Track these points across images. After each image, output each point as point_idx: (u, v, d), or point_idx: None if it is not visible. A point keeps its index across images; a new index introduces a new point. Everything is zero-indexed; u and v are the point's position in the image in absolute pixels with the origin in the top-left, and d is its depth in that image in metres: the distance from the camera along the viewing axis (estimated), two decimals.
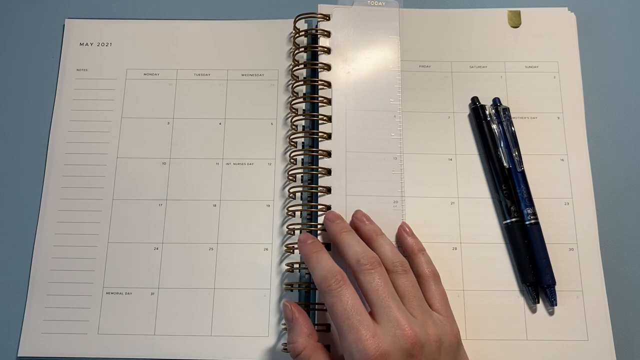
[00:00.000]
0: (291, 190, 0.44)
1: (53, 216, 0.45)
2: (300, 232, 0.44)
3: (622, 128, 0.47)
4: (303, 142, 0.46)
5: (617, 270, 0.43)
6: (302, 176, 0.45)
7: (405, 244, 0.41)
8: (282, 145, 0.46)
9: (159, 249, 0.44)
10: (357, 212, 0.42)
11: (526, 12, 0.49)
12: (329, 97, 0.46)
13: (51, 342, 0.42)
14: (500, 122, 0.45)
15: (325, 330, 0.41)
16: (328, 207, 0.43)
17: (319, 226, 0.43)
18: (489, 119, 0.45)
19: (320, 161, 0.44)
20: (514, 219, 0.43)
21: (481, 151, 0.45)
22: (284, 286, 0.42)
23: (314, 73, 0.47)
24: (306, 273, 0.43)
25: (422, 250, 0.41)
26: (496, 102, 0.45)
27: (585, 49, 0.48)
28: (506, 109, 0.45)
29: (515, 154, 0.44)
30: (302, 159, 0.46)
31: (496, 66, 0.47)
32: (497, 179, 0.44)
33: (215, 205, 0.45)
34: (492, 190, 0.45)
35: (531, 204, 0.43)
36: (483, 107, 0.45)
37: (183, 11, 0.51)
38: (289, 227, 0.43)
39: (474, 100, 0.46)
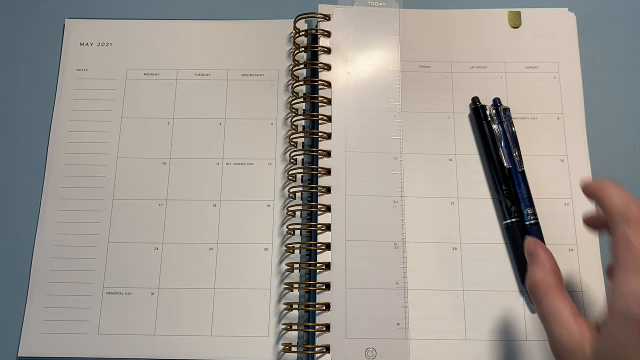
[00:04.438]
0: (291, 190, 0.44)
1: (53, 216, 0.45)
2: (301, 233, 0.44)
3: (622, 128, 0.47)
4: (303, 142, 0.46)
5: None
6: (302, 176, 0.45)
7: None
8: (282, 145, 0.46)
9: (159, 249, 0.44)
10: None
11: (526, 13, 0.49)
12: (329, 97, 0.46)
13: (51, 342, 0.42)
14: (500, 123, 0.45)
15: (325, 331, 0.41)
16: (328, 207, 0.43)
17: (318, 226, 0.43)
18: (489, 119, 0.45)
19: (320, 161, 0.44)
20: (514, 219, 0.43)
21: (481, 151, 0.45)
22: (284, 286, 0.42)
23: (314, 73, 0.47)
24: (306, 273, 0.43)
25: None
26: (496, 103, 0.45)
27: (585, 49, 0.48)
28: (506, 109, 0.45)
29: (515, 154, 0.44)
30: (302, 159, 0.46)
31: (496, 66, 0.47)
32: (497, 179, 0.44)
33: (215, 205, 0.45)
34: (492, 191, 0.45)
35: (531, 204, 0.43)
36: (483, 107, 0.45)
37: (183, 11, 0.51)
38: (289, 227, 0.43)
39: (475, 100, 0.46)
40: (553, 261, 0.35)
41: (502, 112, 0.45)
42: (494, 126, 0.45)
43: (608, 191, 0.33)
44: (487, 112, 0.45)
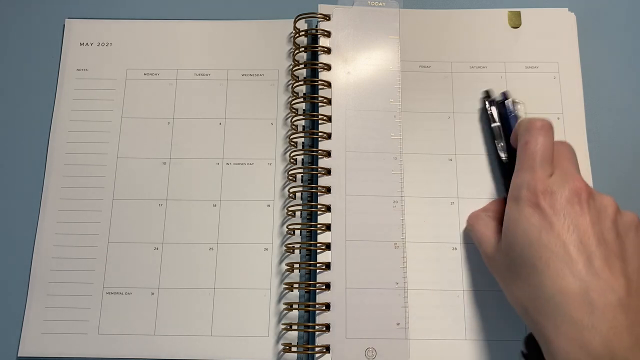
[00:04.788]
0: (291, 190, 0.44)
1: (53, 216, 0.45)
2: (301, 233, 0.44)
3: (622, 128, 0.47)
4: (303, 142, 0.46)
5: None
6: (302, 176, 0.45)
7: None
8: (282, 145, 0.46)
9: (159, 249, 0.44)
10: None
11: (526, 13, 0.49)
12: (328, 97, 0.46)
13: (51, 342, 0.42)
14: (508, 116, 0.44)
15: (325, 331, 0.41)
16: (328, 207, 0.43)
17: (318, 226, 0.43)
18: (498, 112, 0.44)
19: (320, 161, 0.44)
20: None
21: (489, 145, 0.45)
22: (284, 286, 0.42)
23: (314, 73, 0.47)
24: (306, 273, 0.43)
25: None
26: (505, 96, 0.45)
27: (585, 49, 0.48)
28: (515, 102, 0.44)
29: None
30: (302, 159, 0.46)
31: (496, 66, 0.47)
32: (504, 172, 0.43)
33: (215, 205, 0.45)
34: (498, 184, 0.44)
35: None
36: (494, 101, 0.45)
37: (183, 11, 0.51)
38: (289, 227, 0.43)
39: (487, 93, 0.46)
40: (491, 204, 0.43)
41: (511, 105, 0.44)
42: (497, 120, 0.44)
43: (518, 123, 0.41)
44: (496, 106, 0.45)
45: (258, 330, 0.42)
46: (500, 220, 0.39)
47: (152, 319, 0.42)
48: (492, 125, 0.44)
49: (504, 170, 0.43)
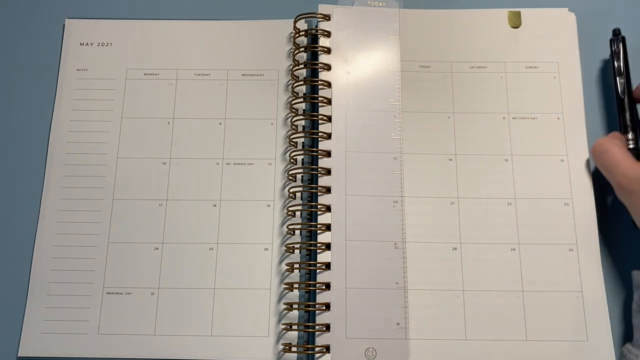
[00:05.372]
0: (291, 190, 0.44)
1: (53, 216, 0.45)
2: (301, 233, 0.44)
3: None
4: (303, 142, 0.46)
5: (616, 270, 0.43)
6: (302, 176, 0.45)
7: None
8: (282, 145, 0.46)
9: (159, 249, 0.44)
10: None
11: (526, 13, 0.49)
12: (328, 97, 0.46)
13: (51, 342, 0.42)
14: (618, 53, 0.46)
15: (325, 331, 0.41)
16: (328, 207, 0.43)
17: (318, 226, 0.43)
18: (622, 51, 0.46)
19: (320, 161, 0.44)
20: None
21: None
22: (284, 286, 0.42)
23: (314, 73, 0.47)
24: (306, 273, 0.43)
25: None
26: (616, 33, 0.46)
27: (585, 49, 0.48)
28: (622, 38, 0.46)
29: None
30: (302, 159, 0.46)
31: (496, 66, 0.47)
32: (620, 107, 0.44)
33: (215, 205, 0.45)
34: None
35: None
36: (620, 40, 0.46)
37: (183, 11, 0.51)
38: (289, 227, 0.43)
39: (616, 31, 0.46)
40: (611, 135, 0.43)
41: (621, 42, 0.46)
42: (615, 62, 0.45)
43: None
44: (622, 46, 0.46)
45: (258, 330, 0.42)
46: (624, 147, 0.42)
47: (152, 319, 0.42)
48: (616, 63, 0.45)
49: (620, 105, 0.44)
